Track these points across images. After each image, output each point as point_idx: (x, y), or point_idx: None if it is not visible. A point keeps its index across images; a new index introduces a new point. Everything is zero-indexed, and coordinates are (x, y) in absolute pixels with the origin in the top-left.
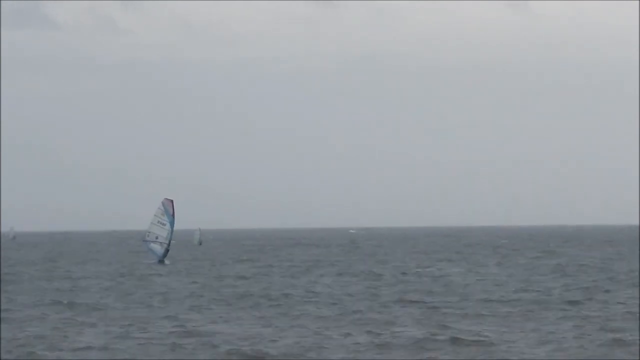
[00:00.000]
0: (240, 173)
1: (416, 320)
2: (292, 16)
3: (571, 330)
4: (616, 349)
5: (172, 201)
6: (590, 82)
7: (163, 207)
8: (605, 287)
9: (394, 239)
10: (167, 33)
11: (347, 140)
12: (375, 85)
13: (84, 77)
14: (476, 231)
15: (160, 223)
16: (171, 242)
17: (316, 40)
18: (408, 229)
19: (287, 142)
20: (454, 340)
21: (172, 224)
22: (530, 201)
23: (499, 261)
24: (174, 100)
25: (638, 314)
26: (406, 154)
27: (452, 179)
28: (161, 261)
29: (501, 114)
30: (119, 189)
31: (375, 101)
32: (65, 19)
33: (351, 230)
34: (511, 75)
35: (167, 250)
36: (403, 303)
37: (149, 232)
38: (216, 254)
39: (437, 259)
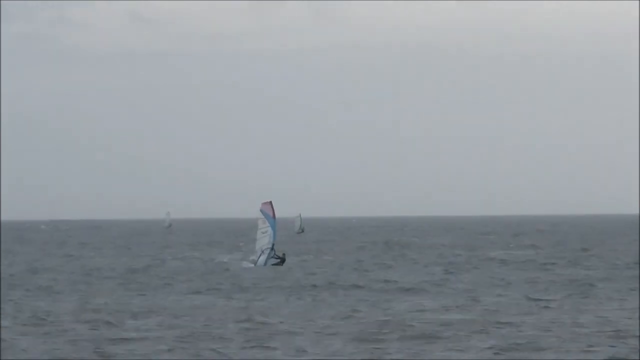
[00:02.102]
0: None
1: None
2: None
3: None
4: None
5: (270, 203)
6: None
7: (262, 214)
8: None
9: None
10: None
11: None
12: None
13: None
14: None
15: (263, 233)
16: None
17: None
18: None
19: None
20: None
21: (273, 226)
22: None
23: None
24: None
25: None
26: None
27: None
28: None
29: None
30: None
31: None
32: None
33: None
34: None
35: (272, 256)
36: None
37: (256, 252)
38: None
39: None
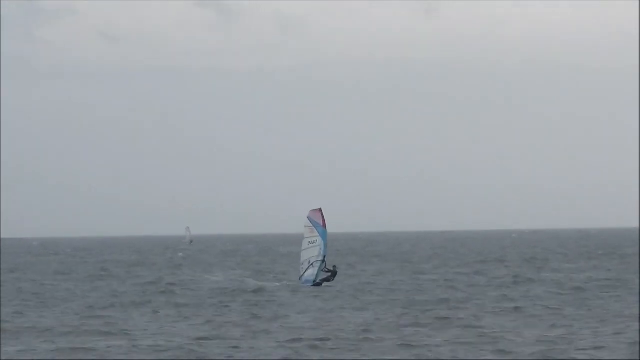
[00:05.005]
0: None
1: None
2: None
3: None
4: None
5: (320, 210)
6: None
7: (310, 222)
8: None
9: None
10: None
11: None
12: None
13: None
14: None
15: (311, 243)
16: (325, 257)
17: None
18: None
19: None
20: None
21: (323, 236)
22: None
23: None
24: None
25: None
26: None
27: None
28: (317, 284)
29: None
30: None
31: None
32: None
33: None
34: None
35: (323, 270)
36: None
37: (302, 264)
38: None
39: None
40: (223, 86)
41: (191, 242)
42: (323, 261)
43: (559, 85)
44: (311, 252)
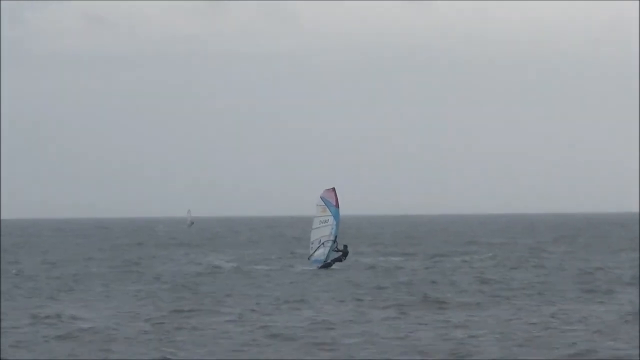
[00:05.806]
0: None
1: None
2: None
3: None
4: None
5: (333, 189)
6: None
7: (323, 201)
8: None
9: None
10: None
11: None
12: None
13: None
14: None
15: (323, 222)
16: (337, 237)
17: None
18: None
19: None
20: None
21: (336, 215)
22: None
23: None
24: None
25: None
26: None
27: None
28: (327, 264)
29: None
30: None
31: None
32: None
33: None
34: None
35: (334, 249)
36: None
37: (312, 243)
38: None
39: None
40: (214, 69)
41: (192, 224)
42: (334, 241)
43: (552, 70)
44: (322, 231)
